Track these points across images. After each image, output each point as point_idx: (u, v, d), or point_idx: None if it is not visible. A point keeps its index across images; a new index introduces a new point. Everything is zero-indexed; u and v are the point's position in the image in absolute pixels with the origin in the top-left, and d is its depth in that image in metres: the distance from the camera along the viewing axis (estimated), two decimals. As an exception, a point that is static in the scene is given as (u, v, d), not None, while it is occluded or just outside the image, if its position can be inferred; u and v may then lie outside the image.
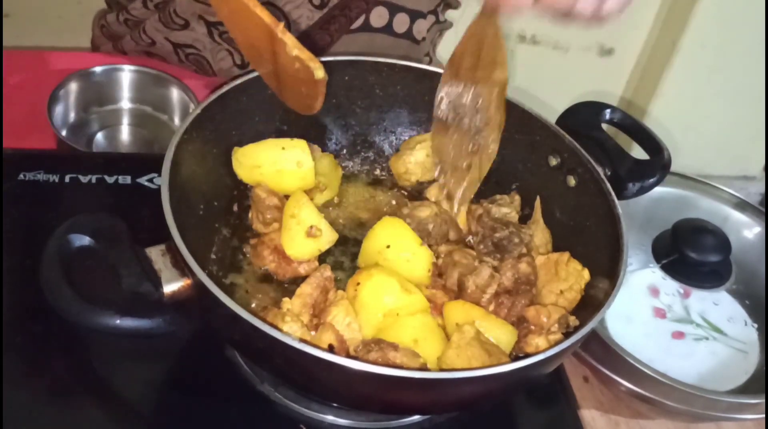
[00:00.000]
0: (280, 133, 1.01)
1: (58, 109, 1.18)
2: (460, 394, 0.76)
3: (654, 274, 1.09)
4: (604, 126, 1.01)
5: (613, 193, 0.91)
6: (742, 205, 1.18)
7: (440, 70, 1.02)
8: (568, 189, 0.97)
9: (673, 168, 1.22)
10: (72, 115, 1.21)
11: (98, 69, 1.22)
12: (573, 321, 0.86)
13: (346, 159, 1.07)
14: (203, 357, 0.91)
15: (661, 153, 0.98)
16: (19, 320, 0.89)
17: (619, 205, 0.90)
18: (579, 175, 0.96)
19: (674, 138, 2.31)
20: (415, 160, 1.03)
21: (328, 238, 0.92)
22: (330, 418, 0.87)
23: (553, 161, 0.99)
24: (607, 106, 1.02)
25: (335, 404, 0.87)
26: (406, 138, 1.07)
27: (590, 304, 0.87)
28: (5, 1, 1.55)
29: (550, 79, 2.29)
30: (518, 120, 1.00)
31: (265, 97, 0.97)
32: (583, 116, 1.01)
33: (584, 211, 0.95)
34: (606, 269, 0.86)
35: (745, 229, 1.16)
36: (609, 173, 0.94)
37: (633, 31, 2.36)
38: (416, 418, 0.90)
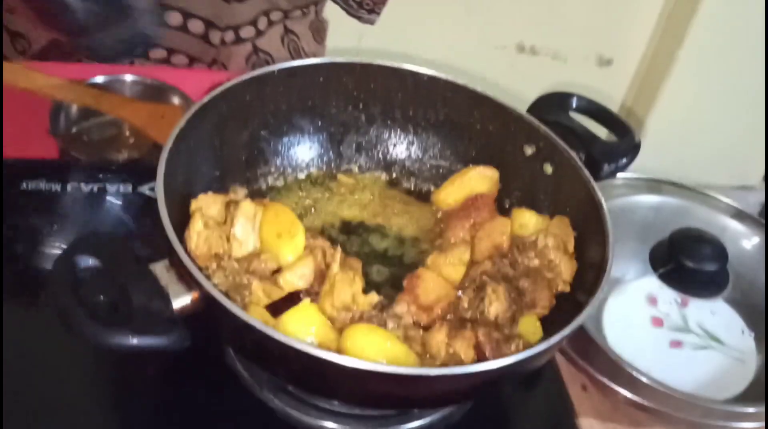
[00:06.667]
0: (264, 139, 1.02)
1: (60, 118, 1.18)
2: (460, 386, 0.77)
3: (651, 283, 1.09)
4: (572, 114, 1.03)
5: (592, 180, 0.92)
6: (739, 215, 1.18)
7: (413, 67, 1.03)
8: (546, 177, 0.99)
9: (672, 177, 1.23)
10: (74, 125, 1.22)
11: (99, 79, 1.23)
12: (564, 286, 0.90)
13: (320, 162, 1.08)
14: (202, 364, 0.91)
15: (629, 134, 1.00)
16: (20, 327, 0.90)
17: (599, 190, 0.91)
18: (555, 163, 0.97)
19: (673, 147, 2.32)
20: None
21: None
22: (330, 425, 0.88)
23: (529, 151, 1.00)
24: (573, 94, 1.04)
25: (349, 405, 0.87)
26: (386, 136, 1.08)
27: (581, 290, 0.88)
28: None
29: (549, 89, 2.30)
30: (491, 112, 1.02)
31: (243, 103, 0.97)
32: (552, 106, 1.03)
33: (564, 198, 0.96)
34: (594, 257, 0.87)
35: (742, 239, 1.17)
36: (583, 158, 0.96)
37: (632, 41, 2.38)
38: (416, 423, 0.90)
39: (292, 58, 1.48)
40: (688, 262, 1.06)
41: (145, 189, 1.07)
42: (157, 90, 1.26)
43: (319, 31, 1.53)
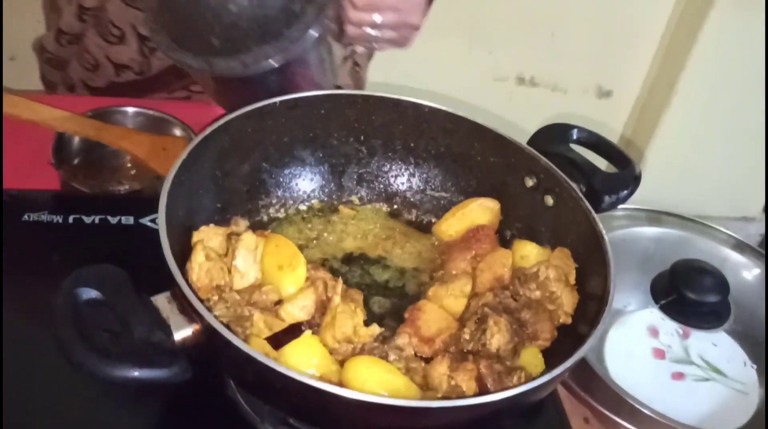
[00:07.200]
0: (265, 170, 1.02)
1: (63, 150, 1.19)
2: (461, 418, 0.76)
3: (653, 315, 1.09)
4: (573, 146, 1.03)
5: (592, 211, 0.92)
6: (740, 246, 1.19)
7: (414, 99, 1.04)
8: (547, 209, 0.99)
9: (673, 209, 1.24)
10: (76, 156, 1.23)
11: (101, 110, 1.24)
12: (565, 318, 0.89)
13: (322, 194, 1.08)
14: (203, 396, 0.91)
15: (630, 165, 1.00)
16: (21, 357, 0.90)
17: (600, 222, 0.91)
18: (556, 194, 0.97)
19: (673, 179, 2.33)
20: None
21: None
22: (329, 457, 0.87)
23: (530, 182, 1.00)
24: (573, 126, 1.04)
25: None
26: (387, 168, 1.08)
27: (583, 321, 0.88)
28: (12, 44, 1.57)
29: (549, 121, 2.31)
30: (492, 144, 1.02)
31: (245, 134, 0.98)
32: (552, 137, 1.03)
33: (565, 230, 0.96)
34: (595, 288, 0.87)
35: (743, 270, 1.17)
36: (584, 189, 0.96)
37: (631, 73, 2.39)
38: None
39: (356, 88, 1.51)
40: (689, 293, 1.06)
41: (146, 221, 1.07)
42: (159, 122, 1.26)
43: (369, 57, 1.55)
